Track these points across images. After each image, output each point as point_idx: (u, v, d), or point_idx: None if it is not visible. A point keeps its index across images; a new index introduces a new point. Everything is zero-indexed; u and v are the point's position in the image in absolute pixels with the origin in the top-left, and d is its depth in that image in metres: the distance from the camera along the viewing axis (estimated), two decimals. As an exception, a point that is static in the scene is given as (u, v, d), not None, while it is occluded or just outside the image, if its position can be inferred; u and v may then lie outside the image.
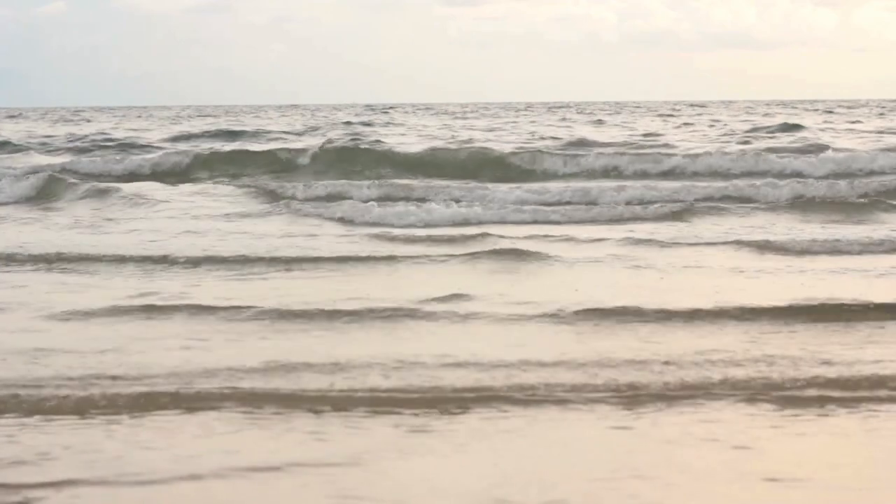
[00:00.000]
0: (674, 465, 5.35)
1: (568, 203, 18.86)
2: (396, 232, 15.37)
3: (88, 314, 9.06)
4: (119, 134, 46.17)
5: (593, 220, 16.89)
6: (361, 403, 6.34)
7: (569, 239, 14.24)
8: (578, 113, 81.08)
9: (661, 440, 5.73)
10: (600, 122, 58.50)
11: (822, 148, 28.85)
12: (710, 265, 11.83)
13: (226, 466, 5.28)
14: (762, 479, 5.14)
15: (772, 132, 41.83)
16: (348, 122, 58.87)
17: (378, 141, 36.48)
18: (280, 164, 27.28)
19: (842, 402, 6.37)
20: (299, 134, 46.11)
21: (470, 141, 36.41)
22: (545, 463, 5.40)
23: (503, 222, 16.67)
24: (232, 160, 27.90)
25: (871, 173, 23.47)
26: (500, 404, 6.31)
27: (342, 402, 6.36)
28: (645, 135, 40.61)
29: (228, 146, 32.59)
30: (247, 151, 29.57)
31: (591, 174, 24.87)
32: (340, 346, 7.89)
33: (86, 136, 44.13)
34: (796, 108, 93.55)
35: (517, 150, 28.62)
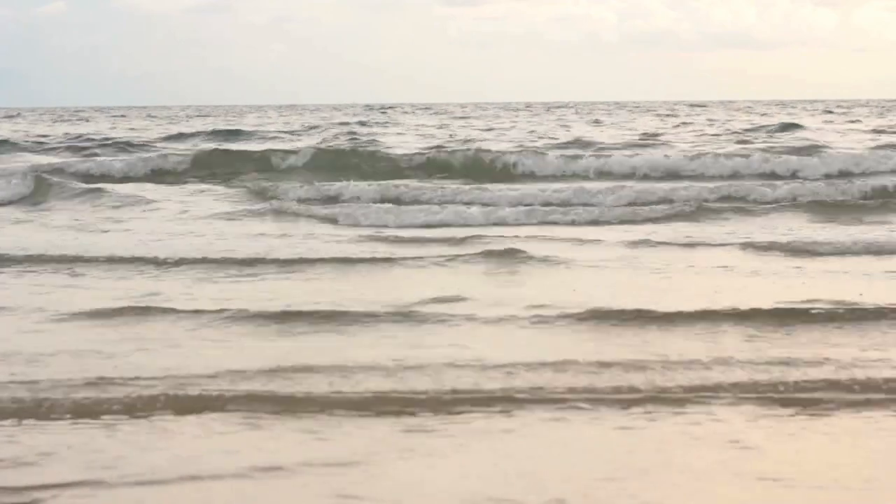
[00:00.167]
0: (674, 465, 5.35)
1: (566, 204, 18.81)
2: (391, 233, 15.35)
3: (84, 316, 9.05)
4: (116, 134, 46.17)
5: (592, 222, 16.87)
6: (361, 404, 6.34)
7: (567, 240, 14.23)
8: (577, 113, 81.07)
9: (661, 440, 5.74)
10: (599, 122, 58.50)
11: (822, 148, 28.86)
12: (710, 266, 11.83)
13: (226, 467, 5.29)
14: (762, 479, 5.15)
15: (771, 132, 41.84)
16: (345, 123, 58.85)
17: (374, 141, 36.47)
18: (274, 164, 27.18)
19: (842, 402, 6.37)
20: (294, 133, 46.08)
21: (467, 141, 36.40)
22: (545, 463, 5.40)
23: (500, 223, 16.62)
24: (226, 160, 27.77)
25: (871, 174, 23.43)
26: (500, 405, 6.31)
27: (341, 403, 6.36)
28: (644, 134, 40.61)
29: (223, 146, 32.46)
30: (241, 152, 29.43)
31: (589, 174, 24.81)
32: (339, 348, 7.90)
33: (81, 135, 44.12)
34: (795, 107, 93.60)
35: (514, 150, 28.59)
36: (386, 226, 16.38)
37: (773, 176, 23.46)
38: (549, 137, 39.28)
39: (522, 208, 17.93)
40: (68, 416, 6.13)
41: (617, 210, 17.86)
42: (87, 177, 24.90)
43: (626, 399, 6.42)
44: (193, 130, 47.19)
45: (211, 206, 18.95)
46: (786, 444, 5.70)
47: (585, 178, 24.30)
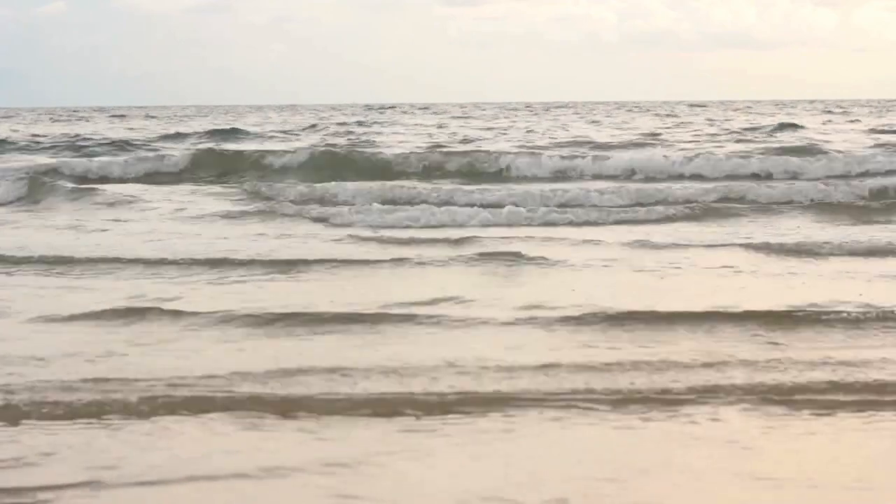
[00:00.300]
0: (673, 465, 5.36)
1: (565, 204, 18.81)
2: (388, 234, 15.31)
3: (83, 317, 9.04)
4: (113, 134, 46.12)
5: (591, 222, 16.86)
6: (360, 405, 6.35)
7: (566, 240, 14.24)
8: (576, 113, 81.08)
9: (661, 440, 5.74)
10: (599, 122, 58.49)
11: (822, 148, 28.86)
12: (709, 266, 11.83)
13: (226, 467, 5.29)
14: (762, 480, 5.15)
15: (770, 132, 41.82)
16: (343, 123, 58.84)
17: (371, 141, 36.43)
18: (271, 165, 27.12)
19: (842, 403, 6.37)
20: (291, 133, 46.02)
21: (465, 141, 36.37)
22: (545, 463, 5.40)
23: (498, 224, 16.59)
24: (223, 160, 27.70)
25: (872, 174, 23.43)
26: (500, 405, 6.31)
27: (341, 404, 6.36)
28: (644, 134, 40.59)
29: (220, 146, 32.43)
30: (238, 152, 29.35)
31: (588, 175, 24.78)
32: (338, 349, 7.90)
33: (78, 135, 44.07)
34: (795, 107, 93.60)
35: (512, 151, 28.55)
36: (382, 226, 16.33)
37: (773, 176, 23.46)
38: (549, 137, 39.26)
39: (521, 209, 17.82)
40: (68, 416, 6.13)
41: (616, 210, 17.85)
42: (83, 177, 24.87)
43: (625, 399, 6.43)
44: (191, 130, 47.14)
45: (206, 207, 18.89)
46: (785, 444, 5.71)
47: (584, 178, 24.27)
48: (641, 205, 18.56)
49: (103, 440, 5.74)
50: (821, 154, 26.60)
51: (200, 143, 37.30)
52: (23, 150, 35.07)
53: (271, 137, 42.01)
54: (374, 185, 21.11)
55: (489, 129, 49.07)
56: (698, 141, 36.36)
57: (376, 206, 18.08)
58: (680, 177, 23.94)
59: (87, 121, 72.29)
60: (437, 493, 5.03)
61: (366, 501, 4.92)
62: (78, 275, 11.46)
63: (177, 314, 9.04)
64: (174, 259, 12.22)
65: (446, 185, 21.88)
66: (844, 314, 8.74)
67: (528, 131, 45.44)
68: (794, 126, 44.99)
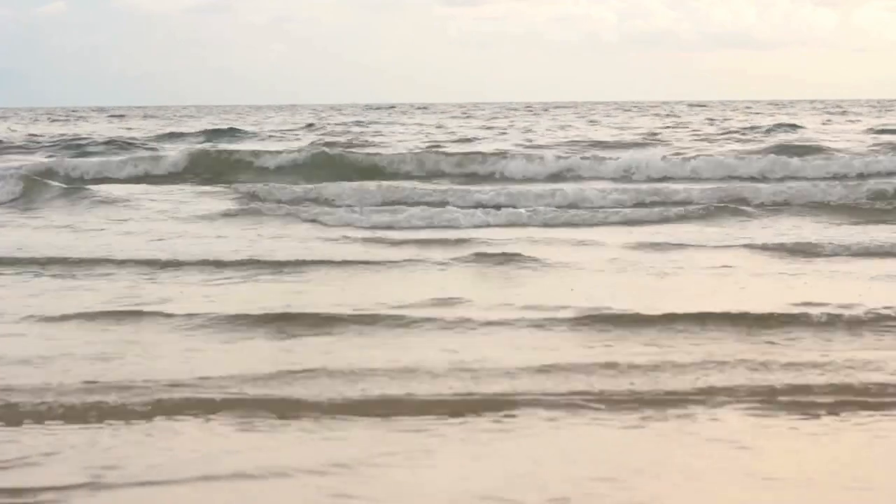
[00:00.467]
0: (673, 465, 5.36)
1: (564, 205, 18.78)
2: (385, 234, 15.25)
3: (81, 317, 9.02)
4: (111, 134, 46.11)
5: (590, 223, 16.83)
6: (360, 406, 6.35)
7: (565, 241, 14.22)
8: (576, 113, 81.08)
9: (660, 440, 5.75)
10: (598, 122, 58.49)
11: (822, 148, 28.86)
12: (709, 267, 11.82)
13: (226, 467, 5.29)
14: (762, 480, 5.16)
15: (770, 132, 41.83)
16: (342, 123, 58.85)
17: (368, 141, 36.40)
18: (267, 165, 27.04)
19: (842, 403, 6.38)
20: (290, 133, 46.01)
21: (463, 141, 36.35)
22: (545, 463, 5.41)
23: (497, 225, 16.54)
24: (219, 160, 27.54)
25: (872, 174, 23.42)
26: (500, 406, 6.31)
27: (340, 405, 6.37)
28: (643, 134, 40.60)
29: (217, 146, 32.35)
30: (234, 152, 29.19)
31: (587, 175, 24.74)
32: (337, 350, 7.90)
33: (76, 135, 44.08)
34: (795, 107, 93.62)
35: (511, 151, 28.49)
36: (380, 227, 16.26)
37: (772, 177, 23.44)
38: (548, 137, 39.26)
39: (520, 209, 17.80)
40: (69, 417, 6.13)
41: (615, 211, 17.83)
42: (79, 177, 24.81)
43: (625, 399, 6.43)
44: (189, 130, 47.11)
45: (203, 207, 18.82)
46: (785, 444, 5.71)
47: (583, 178, 24.22)
48: (641, 205, 18.54)
49: (104, 440, 5.75)
50: (820, 154, 26.59)
51: (198, 142, 37.26)
52: (20, 149, 35.04)
53: (269, 137, 41.99)
54: (372, 186, 20.97)
55: (488, 128, 49.08)
56: (699, 141, 36.38)
57: (374, 206, 18.04)
58: (679, 177, 23.90)
59: (86, 121, 72.30)
60: (437, 494, 5.03)
61: (365, 501, 4.93)
62: (74, 275, 11.43)
63: (173, 315, 9.02)
64: (170, 259, 12.20)
65: (444, 186, 21.80)
66: (844, 315, 8.74)
67: (528, 131, 45.44)
68: (793, 126, 45.01)
